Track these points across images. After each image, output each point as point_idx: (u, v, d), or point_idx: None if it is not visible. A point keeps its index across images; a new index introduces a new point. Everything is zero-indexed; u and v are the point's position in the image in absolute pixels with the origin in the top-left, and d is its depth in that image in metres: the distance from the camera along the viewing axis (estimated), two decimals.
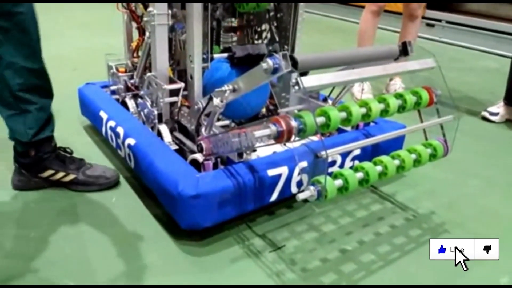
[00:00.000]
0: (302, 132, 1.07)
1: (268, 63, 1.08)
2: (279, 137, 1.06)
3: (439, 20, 4.46)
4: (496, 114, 2.41)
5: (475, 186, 1.72)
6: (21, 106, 1.36)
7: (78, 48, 3.32)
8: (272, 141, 1.14)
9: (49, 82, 1.42)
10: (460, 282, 1.20)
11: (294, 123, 1.05)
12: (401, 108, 1.30)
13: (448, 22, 4.43)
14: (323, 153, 1.03)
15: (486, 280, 1.22)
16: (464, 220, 1.47)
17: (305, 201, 1.08)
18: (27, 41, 1.29)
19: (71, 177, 1.49)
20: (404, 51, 1.39)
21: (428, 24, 4.46)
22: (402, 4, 2.57)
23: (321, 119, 1.10)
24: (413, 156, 1.29)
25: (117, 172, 1.58)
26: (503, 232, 1.44)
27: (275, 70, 1.09)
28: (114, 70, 1.84)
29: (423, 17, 2.55)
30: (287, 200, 1.44)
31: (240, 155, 1.34)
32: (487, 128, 2.35)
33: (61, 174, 1.48)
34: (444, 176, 1.74)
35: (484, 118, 2.43)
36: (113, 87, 1.86)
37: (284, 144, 1.43)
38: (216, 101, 1.27)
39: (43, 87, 1.40)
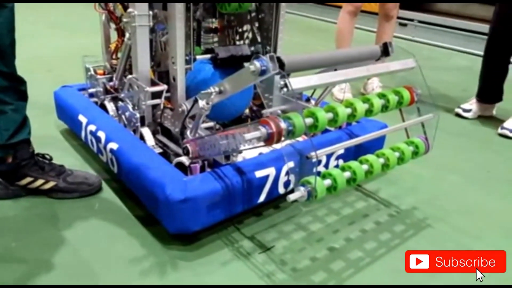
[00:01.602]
0: (291, 134, 1.08)
1: (256, 65, 1.08)
2: (269, 139, 1.06)
3: (412, 20, 4.55)
4: (469, 110, 2.48)
5: (454, 181, 1.76)
6: None
7: (52, 49, 3.25)
8: (257, 143, 1.14)
9: (24, 84, 1.39)
10: (445, 277, 1.22)
11: (283, 125, 1.06)
12: (384, 108, 1.32)
13: (420, 21, 4.52)
14: (312, 154, 1.03)
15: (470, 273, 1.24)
16: (446, 215, 1.51)
17: (293, 201, 1.08)
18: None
19: (51, 184, 1.45)
20: (385, 51, 1.42)
21: (401, 24, 4.54)
22: (377, 4, 2.61)
23: (309, 120, 1.10)
24: (397, 154, 1.32)
25: (99, 178, 1.54)
26: (484, 224, 1.48)
27: (262, 72, 1.09)
28: (92, 72, 1.81)
29: (396, 17, 2.61)
30: (274, 201, 1.45)
31: (227, 157, 1.34)
32: (461, 124, 2.41)
33: (40, 181, 1.44)
34: (424, 172, 1.77)
35: (458, 115, 2.49)
36: (91, 90, 1.83)
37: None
38: (201, 103, 1.26)
39: (17, 89, 1.36)
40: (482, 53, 2.49)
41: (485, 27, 3.77)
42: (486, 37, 2.43)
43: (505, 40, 2.32)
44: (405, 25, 4.57)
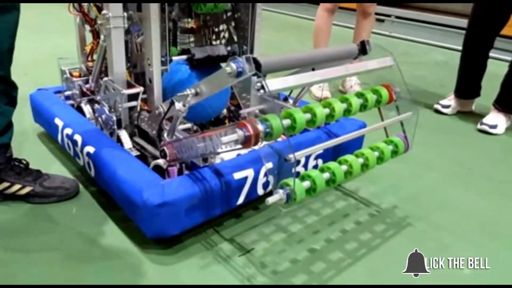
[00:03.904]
0: (269, 136, 1.07)
1: (232, 67, 1.06)
2: (247, 142, 1.05)
3: (389, 16, 4.58)
4: (448, 106, 2.50)
5: (434, 178, 1.77)
6: None
7: (27, 51, 3.17)
8: (235, 146, 1.13)
9: (15, 90, 1.38)
10: (426, 276, 1.22)
11: (261, 127, 1.05)
12: (363, 107, 1.31)
13: (397, 17, 4.55)
14: (291, 156, 1.02)
15: (450, 271, 1.25)
16: (426, 213, 1.52)
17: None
18: None
19: (27, 189, 1.42)
20: (363, 50, 1.41)
21: (378, 20, 4.55)
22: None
23: (287, 122, 1.09)
24: (376, 153, 1.31)
25: (76, 181, 1.52)
26: (464, 222, 1.49)
27: (239, 74, 1.08)
28: (68, 74, 1.77)
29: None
30: (254, 202, 1.44)
31: (205, 159, 1.32)
32: (440, 120, 2.43)
33: (17, 186, 1.42)
34: (403, 170, 1.78)
35: (437, 111, 2.51)
36: (67, 93, 1.80)
37: None
38: (178, 105, 1.25)
39: (8, 94, 1.35)
40: (458, 47, 2.51)
41: (461, 22, 3.82)
42: (462, 31, 2.45)
43: (483, 36, 2.34)
44: (382, 21, 4.60)
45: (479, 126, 2.29)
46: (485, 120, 2.30)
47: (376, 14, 4.48)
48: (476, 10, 2.34)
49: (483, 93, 2.47)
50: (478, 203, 1.62)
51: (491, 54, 2.41)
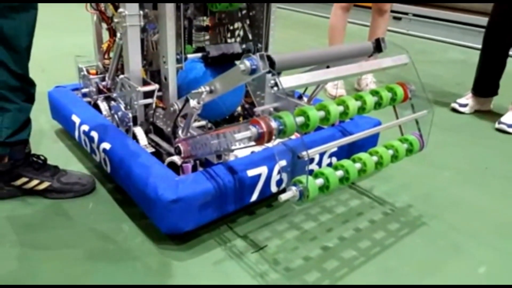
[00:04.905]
0: (282, 133, 1.07)
1: (246, 64, 1.07)
2: (260, 139, 1.05)
3: (406, 13, 4.54)
4: (465, 105, 2.47)
5: (448, 178, 1.76)
6: (0, 104, 1.33)
7: (45, 49, 3.22)
8: (248, 143, 1.13)
9: (33, 87, 1.41)
10: (439, 276, 1.22)
11: (274, 124, 1.05)
12: (377, 105, 1.30)
13: (414, 15, 4.51)
14: (304, 153, 1.03)
15: (465, 271, 1.24)
16: (440, 212, 1.50)
17: (285, 200, 1.07)
18: (16, 46, 1.28)
19: (45, 184, 1.45)
20: (378, 48, 1.41)
21: (395, 17, 4.53)
22: None
23: (300, 119, 1.09)
24: (391, 152, 1.31)
25: (93, 177, 1.54)
26: (479, 223, 1.47)
27: (252, 71, 1.08)
28: (85, 72, 1.80)
29: (390, 10, 2.61)
30: (267, 199, 1.44)
31: (219, 156, 1.33)
32: (457, 119, 2.40)
33: (35, 182, 1.44)
34: (418, 169, 1.77)
35: (454, 110, 2.48)
36: (84, 90, 1.82)
37: None
38: (192, 102, 1.26)
39: (26, 91, 1.38)
40: (477, 45, 2.49)
41: (480, 20, 3.77)
42: (481, 29, 2.43)
43: (503, 34, 2.31)
44: (399, 18, 4.56)
45: (497, 125, 2.26)
46: (503, 119, 2.26)
47: (393, 12, 4.47)
48: (497, 8, 2.32)
49: (502, 92, 2.44)
50: (493, 202, 1.60)
51: (510, 53, 2.38)
